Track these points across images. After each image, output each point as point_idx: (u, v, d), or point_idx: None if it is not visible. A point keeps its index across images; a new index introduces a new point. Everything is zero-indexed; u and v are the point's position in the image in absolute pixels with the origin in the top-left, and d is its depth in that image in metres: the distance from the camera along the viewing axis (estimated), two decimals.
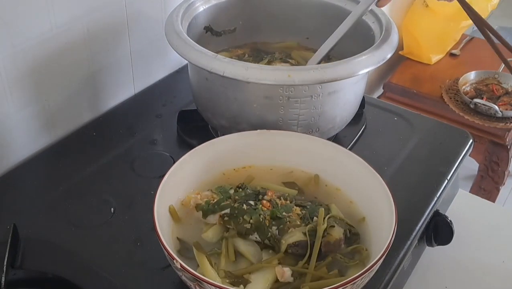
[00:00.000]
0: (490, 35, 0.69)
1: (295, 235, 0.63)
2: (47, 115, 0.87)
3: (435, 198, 0.81)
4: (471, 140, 0.92)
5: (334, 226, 0.64)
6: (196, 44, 0.77)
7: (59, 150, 0.88)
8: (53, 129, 0.89)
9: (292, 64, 0.91)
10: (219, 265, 0.62)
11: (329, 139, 0.81)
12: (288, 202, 0.68)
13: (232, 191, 0.69)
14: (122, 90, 1.00)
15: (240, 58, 0.94)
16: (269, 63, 0.91)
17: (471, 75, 1.84)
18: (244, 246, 0.64)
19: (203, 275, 0.56)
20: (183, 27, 0.82)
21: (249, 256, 0.64)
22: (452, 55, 2.03)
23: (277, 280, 0.61)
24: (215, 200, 0.67)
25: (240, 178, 0.74)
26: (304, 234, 0.63)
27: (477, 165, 1.85)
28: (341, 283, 0.55)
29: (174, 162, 0.69)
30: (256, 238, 0.64)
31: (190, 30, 0.84)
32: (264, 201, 0.67)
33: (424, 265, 0.87)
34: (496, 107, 1.68)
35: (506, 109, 1.71)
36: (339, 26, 0.82)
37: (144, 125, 0.93)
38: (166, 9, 0.99)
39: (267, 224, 0.64)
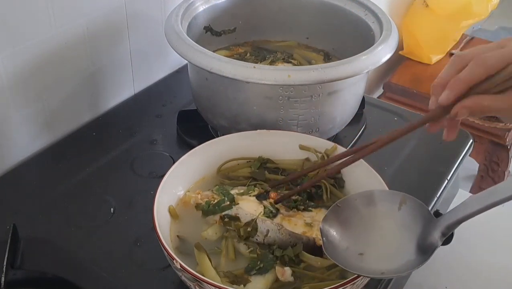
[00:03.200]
0: None
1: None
2: (47, 115, 0.87)
3: (435, 198, 0.81)
4: (471, 140, 0.92)
5: None
6: (196, 44, 0.77)
7: (58, 150, 0.88)
8: (53, 129, 0.89)
9: (294, 65, 0.91)
10: (219, 265, 0.62)
11: (329, 139, 0.81)
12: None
13: (233, 192, 0.69)
14: (122, 90, 1.00)
15: (241, 56, 0.95)
16: (271, 63, 0.91)
17: None
18: (244, 246, 0.64)
19: (203, 275, 0.56)
20: (183, 27, 0.82)
21: (249, 256, 0.63)
22: (452, 55, 2.03)
23: (277, 280, 0.60)
24: (216, 201, 0.67)
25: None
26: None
27: (477, 165, 1.84)
28: (341, 283, 0.55)
29: (174, 162, 0.69)
30: (256, 239, 0.64)
31: (190, 30, 0.84)
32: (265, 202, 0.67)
33: (424, 265, 0.87)
34: None
35: None
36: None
37: (144, 125, 0.93)
38: (166, 9, 0.99)
39: None
